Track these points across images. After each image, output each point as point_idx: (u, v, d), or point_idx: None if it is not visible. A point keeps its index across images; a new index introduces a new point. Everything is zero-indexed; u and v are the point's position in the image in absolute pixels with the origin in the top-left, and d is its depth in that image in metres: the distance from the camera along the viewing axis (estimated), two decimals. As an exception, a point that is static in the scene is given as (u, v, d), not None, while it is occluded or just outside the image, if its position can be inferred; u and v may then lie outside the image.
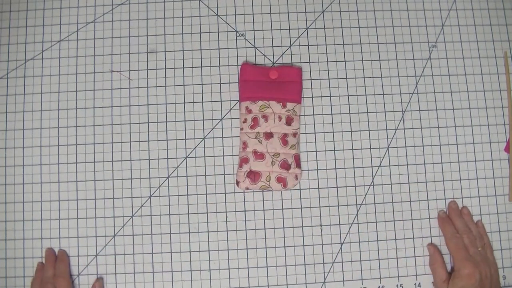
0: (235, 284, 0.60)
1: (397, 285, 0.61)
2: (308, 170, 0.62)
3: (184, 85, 0.64)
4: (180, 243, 0.61)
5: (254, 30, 0.65)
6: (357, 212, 0.62)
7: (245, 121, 0.62)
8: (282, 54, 0.65)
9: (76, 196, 0.62)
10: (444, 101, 0.64)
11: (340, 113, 0.64)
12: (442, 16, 0.67)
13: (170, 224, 0.61)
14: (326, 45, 0.65)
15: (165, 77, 0.64)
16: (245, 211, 0.62)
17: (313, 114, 0.64)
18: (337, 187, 0.62)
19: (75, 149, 0.62)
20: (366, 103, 0.64)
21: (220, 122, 0.63)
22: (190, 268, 0.60)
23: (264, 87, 0.62)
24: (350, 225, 0.61)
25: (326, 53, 0.65)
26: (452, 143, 0.63)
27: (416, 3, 0.67)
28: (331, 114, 0.64)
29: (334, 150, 0.63)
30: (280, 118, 0.61)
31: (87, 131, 0.63)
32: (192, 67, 0.64)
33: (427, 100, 0.64)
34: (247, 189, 0.61)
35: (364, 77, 0.65)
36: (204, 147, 0.63)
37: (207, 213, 0.61)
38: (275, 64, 0.65)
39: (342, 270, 0.61)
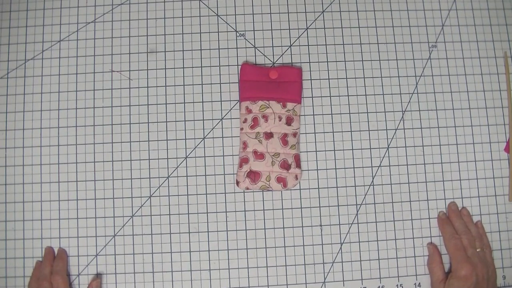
0: (235, 284, 0.60)
1: (397, 285, 0.61)
2: (308, 170, 0.62)
3: (184, 85, 0.64)
4: (180, 243, 0.61)
5: (254, 30, 0.65)
6: (357, 212, 0.62)
7: (245, 121, 0.62)
8: (282, 54, 0.65)
9: (76, 196, 0.62)
10: (444, 101, 0.64)
11: (340, 113, 0.64)
12: (442, 16, 0.67)
13: (170, 224, 0.61)
14: (326, 45, 0.65)
15: (165, 77, 0.64)
16: (245, 211, 0.62)
17: (313, 114, 0.64)
18: (337, 187, 0.62)
19: (75, 149, 0.62)
20: (366, 103, 0.64)
21: (220, 122, 0.63)
22: (190, 268, 0.60)
23: (264, 87, 0.62)
24: (350, 225, 0.61)
25: (326, 53, 0.65)
26: (452, 143, 0.63)
27: (416, 3, 0.67)
28: (331, 114, 0.64)
29: (334, 150, 0.63)
30: (280, 118, 0.61)
31: (87, 131, 0.63)
32: (192, 67, 0.64)
33: (427, 100, 0.64)
34: (247, 189, 0.61)
35: (364, 77, 0.65)
36: (204, 147, 0.63)
37: (207, 213, 0.61)
38: (275, 64, 0.65)
39: (342, 270, 0.61)
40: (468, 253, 0.57)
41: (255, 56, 0.65)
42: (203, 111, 0.63)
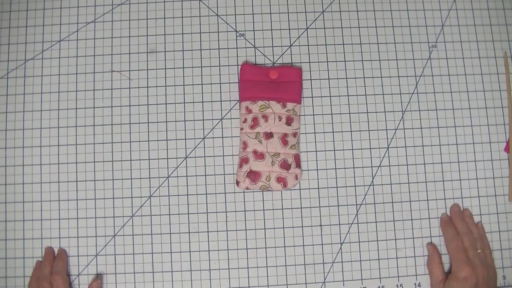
0: (235, 284, 0.60)
1: (397, 285, 0.61)
2: (308, 170, 0.62)
3: (184, 85, 0.64)
4: (180, 243, 0.61)
5: (254, 30, 0.65)
6: (357, 212, 0.62)
7: (245, 121, 0.62)
8: (282, 54, 0.65)
9: (76, 196, 0.62)
10: (444, 101, 0.64)
11: (340, 113, 0.64)
12: (442, 16, 0.67)
13: (170, 224, 0.61)
14: (326, 45, 0.65)
15: (165, 77, 0.64)
16: (245, 211, 0.62)
17: (313, 114, 0.64)
18: (337, 187, 0.62)
19: (75, 149, 0.62)
20: (366, 103, 0.64)
21: (220, 122, 0.63)
22: (190, 268, 0.60)
23: (264, 87, 0.62)
24: (350, 225, 0.61)
25: (326, 53, 0.65)
26: (452, 143, 0.63)
27: (416, 3, 0.67)
28: (331, 114, 0.64)
29: (334, 150, 0.63)
30: (280, 118, 0.61)
31: (87, 131, 0.63)
32: (192, 67, 0.64)
33: (427, 100, 0.64)
34: (247, 189, 0.61)
35: (364, 77, 0.65)
36: (204, 147, 0.63)
37: (207, 213, 0.61)
38: (275, 64, 0.65)
39: (342, 270, 0.61)
40: (469, 255, 0.57)
41: (255, 56, 0.65)
42: (203, 111, 0.63)
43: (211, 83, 0.64)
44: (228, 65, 0.64)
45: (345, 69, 0.65)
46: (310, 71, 0.65)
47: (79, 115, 0.63)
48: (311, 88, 0.64)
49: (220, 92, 0.64)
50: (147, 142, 0.63)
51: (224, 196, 0.62)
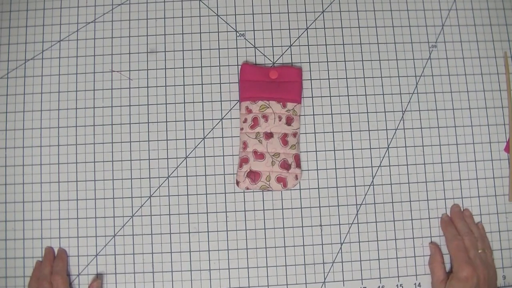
0: (235, 284, 0.60)
1: (397, 285, 0.61)
2: (308, 170, 0.62)
3: (184, 85, 0.64)
4: (180, 243, 0.61)
5: (254, 30, 0.65)
6: (357, 212, 0.62)
7: (245, 121, 0.62)
8: (282, 54, 0.65)
9: (76, 196, 0.62)
10: (444, 101, 0.64)
11: (340, 113, 0.64)
12: (442, 16, 0.67)
13: (170, 224, 0.61)
14: (326, 45, 0.65)
15: (165, 77, 0.64)
16: (245, 211, 0.62)
17: (313, 114, 0.64)
18: (337, 187, 0.62)
19: (75, 149, 0.62)
20: (366, 103, 0.64)
21: (220, 122, 0.63)
22: (190, 268, 0.60)
23: (264, 87, 0.62)
24: (350, 225, 0.61)
25: (326, 53, 0.65)
26: (452, 143, 0.63)
27: (416, 3, 0.67)
28: (331, 114, 0.64)
29: (334, 150, 0.63)
30: (280, 118, 0.61)
31: (87, 131, 0.63)
32: (192, 67, 0.64)
33: (427, 100, 0.64)
34: (247, 189, 0.61)
35: (364, 77, 0.65)
36: (204, 147, 0.63)
37: (207, 213, 0.61)
38: (275, 64, 0.65)
39: (342, 270, 0.61)
40: (470, 255, 0.57)
41: (255, 56, 0.65)
42: (203, 111, 0.63)
43: (211, 83, 0.64)
44: (228, 65, 0.64)
45: (345, 69, 0.65)
46: (310, 71, 0.65)
47: (79, 115, 0.63)
48: (311, 88, 0.64)
49: (220, 92, 0.64)
50: (147, 142, 0.63)
51: (224, 196, 0.62)
